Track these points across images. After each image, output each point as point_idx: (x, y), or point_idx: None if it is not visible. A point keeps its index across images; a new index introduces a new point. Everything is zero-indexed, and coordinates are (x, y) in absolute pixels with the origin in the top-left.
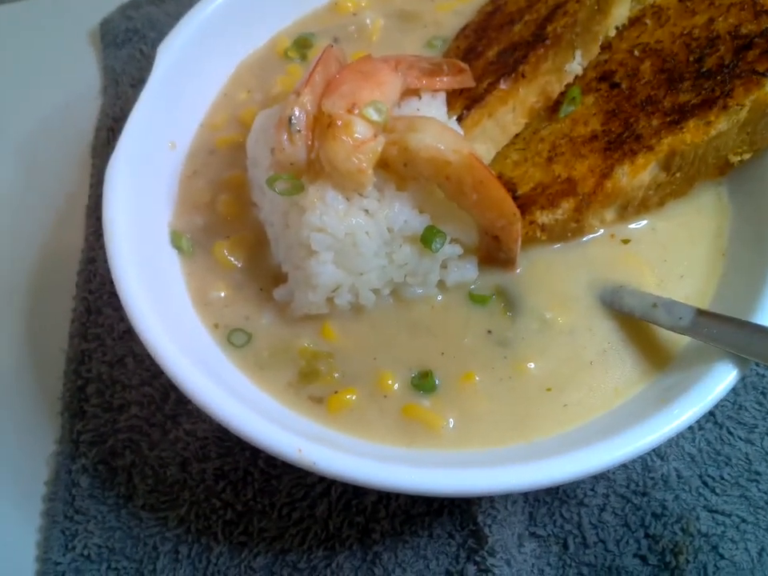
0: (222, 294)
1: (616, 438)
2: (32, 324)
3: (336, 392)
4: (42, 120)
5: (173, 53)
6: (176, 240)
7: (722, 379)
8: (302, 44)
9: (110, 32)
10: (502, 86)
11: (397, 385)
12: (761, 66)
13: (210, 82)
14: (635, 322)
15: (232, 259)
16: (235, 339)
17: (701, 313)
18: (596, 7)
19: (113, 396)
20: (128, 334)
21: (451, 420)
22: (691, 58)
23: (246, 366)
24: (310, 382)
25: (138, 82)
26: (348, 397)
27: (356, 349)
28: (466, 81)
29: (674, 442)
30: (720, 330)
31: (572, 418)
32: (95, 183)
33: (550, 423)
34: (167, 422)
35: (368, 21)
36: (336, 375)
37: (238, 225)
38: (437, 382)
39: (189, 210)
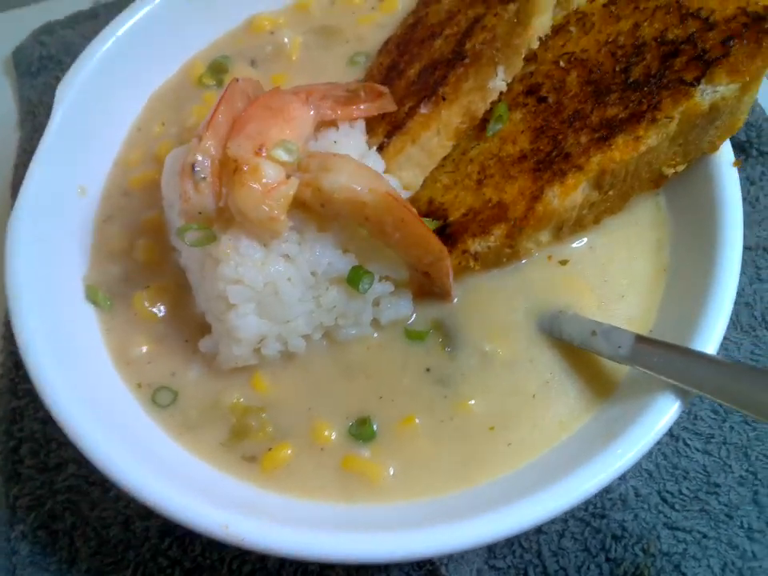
0: (144, 349)
1: (560, 484)
2: None
3: (270, 449)
4: None
5: (74, 90)
6: (91, 294)
7: (663, 413)
8: (217, 69)
9: (24, 60)
10: (423, 110)
11: (334, 435)
12: (688, 74)
13: (120, 117)
14: (577, 350)
15: (153, 310)
16: (160, 399)
17: (640, 340)
18: (515, 20)
19: (48, 455)
20: None
21: (392, 469)
22: (618, 68)
23: (173, 428)
24: (242, 440)
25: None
26: (283, 452)
27: (289, 399)
28: (386, 105)
29: None
30: (660, 359)
31: (517, 458)
32: None
33: (495, 465)
34: (107, 480)
35: (286, 39)
36: (269, 430)
37: (158, 271)
38: (375, 428)
39: (104, 260)
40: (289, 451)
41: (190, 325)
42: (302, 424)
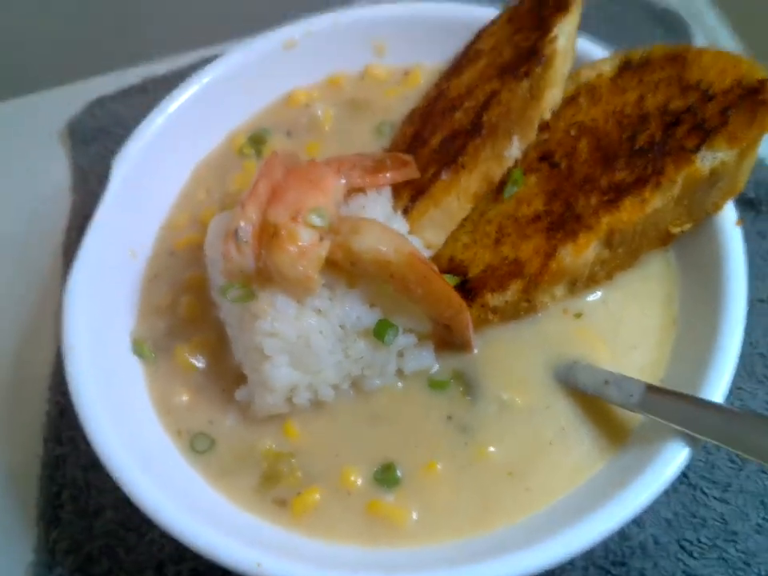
0: (185, 398)
1: (575, 528)
2: (4, 430)
3: (299, 493)
4: (11, 222)
5: (128, 161)
6: (138, 348)
7: (672, 461)
8: (257, 140)
9: (78, 131)
10: (444, 177)
11: (360, 480)
12: (689, 142)
13: (169, 185)
14: (592, 399)
15: (194, 361)
16: (198, 445)
17: (651, 389)
18: (528, 95)
19: (88, 501)
20: None
21: (415, 513)
22: (624, 136)
23: (209, 474)
24: (274, 485)
25: (106, 180)
26: (312, 497)
27: (318, 446)
28: (410, 173)
29: (650, 507)
30: (669, 408)
31: (535, 503)
32: None
33: (514, 509)
34: (142, 525)
35: (319, 112)
36: (299, 475)
37: (199, 325)
38: (399, 474)
39: (150, 315)
40: (317, 495)
41: (227, 375)
42: (330, 469)
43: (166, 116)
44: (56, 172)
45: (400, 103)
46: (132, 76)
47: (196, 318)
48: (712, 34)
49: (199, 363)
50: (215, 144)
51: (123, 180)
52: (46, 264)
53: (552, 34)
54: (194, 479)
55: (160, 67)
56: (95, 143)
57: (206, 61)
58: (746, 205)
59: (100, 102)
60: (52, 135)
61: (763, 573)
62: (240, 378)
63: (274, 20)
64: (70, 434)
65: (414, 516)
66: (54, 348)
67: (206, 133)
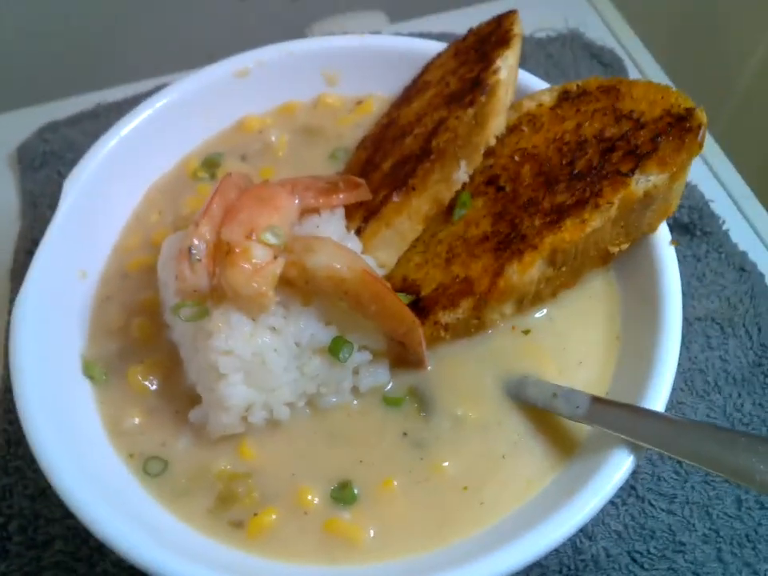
0: (137, 421)
1: (528, 537)
2: None
3: (255, 514)
4: None
5: (79, 183)
6: (88, 369)
7: (618, 468)
8: (211, 164)
9: (27, 155)
10: (395, 198)
11: (317, 499)
12: (624, 166)
13: (121, 207)
14: (542, 413)
15: (146, 383)
16: (151, 468)
17: (596, 400)
18: (474, 122)
19: (36, 531)
20: None
21: (372, 531)
22: (564, 161)
23: (163, 496)
24: (229, 507)
25: (56, 204)
26: (268, 517)
27: (274, 465)
28: (363, 195)
29: (600, 520)
30: (613, 417)
31: (489, 516)
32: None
33: (469, 523)
34: (93, 555)
35: (273, 138)
36: (255, 495)
37: (152, 347)
38: (356, 491)
39: (102, 337)
40: (274, 516)
41: (181, 397)
42: (287, 489)
43: (118, 138)
44: (3, 197)
45: (353, 130)
46: (84, 102)
47: (149, 340)
48: (644, 70)
49: (152, 385)
50: (168, 167)
51: (74, 201)
52: None
53: (495, 66)
54: (148, 502)
55: (112, 93)
56: (45, 167)
57: (159, 89)
58: (682, 229)
59: (52, 127)
60: (1, 160)
61: None
62: (193, 400)
63: (227, 52)
64: (17, 463)
65: (371, 533)
66: (0, 372)
67: (159, 156)
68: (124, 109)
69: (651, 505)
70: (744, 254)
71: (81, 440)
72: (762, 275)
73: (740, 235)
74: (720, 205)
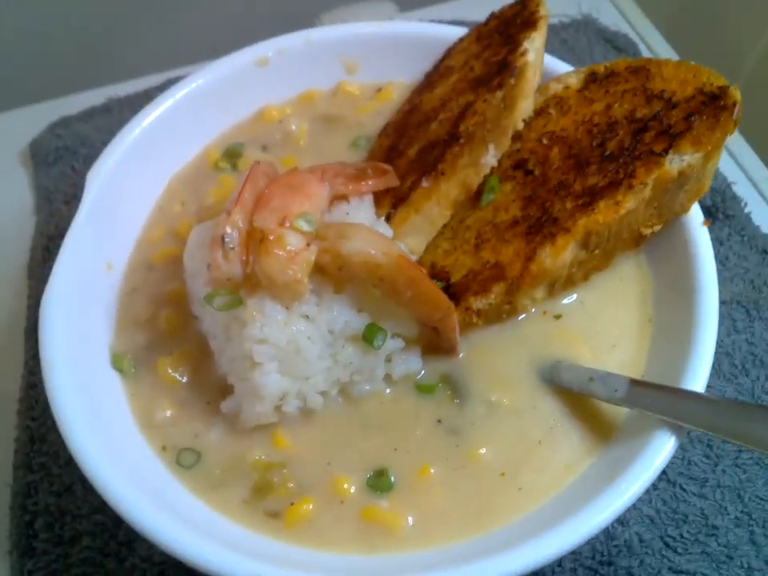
0: (168, 413)
1: (570, 522)
2: None
3: (292, 503)
4: None
5: (102, 176)
6: (117, 362)
7: (660, 450)
8: (232, 154)
9: (41, 151)
10: (424, 184)
11: (353, 488)
12: (657, 146)
13: (143, 199)
14: (577, 396)
15: (176, 375)
16: (184, 460)
17: (634, 383)
18: (502, 105)
19: (63, 528)
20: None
21: (410, 519)
22: (594, 143)
23: (198, 488)
24: (265, 496)
25: (71, 199)
26: (305, 507)
27: (309, 455)
28: (390, 181)
29: (633, 505)
30: (653, 399)
31: (527, 502)
32: (33, 305)
33: (507, 510)
34: (122, 550)
35: (293, 127)
36: (290, 485)
37: (180, 339)
38: (393, 479)
39: (129, 329)
40: (310, 505)
41: (212, 388)
42: (322, 478)
43: (140, 129)
44: (17, 194)
45: (373, 118)
46: (93, 98)
47: (176, 332)
48: (658, 54)
49: (182, 377)
50: (190, 158)
51: (97, 193)
52: (10, 283)
53: (522, 48)
54: (183, 494)
55: (123, 88)
56: (59, 163)
57: (171, 82)
58: (704, 212)
59: (64, 123)
60: (13, 156)
61: (745, 565)
62: (224, 391)
63: (235, 45)
64: (41, 460)
65: (410, 521)
66: (21, 370)
67: (180, 147)
68: (135, 103)
69: (683, 489)
70: (766, 237)
71: (114, 433)
72: None
73: (762, 218)
74: (741, 187)
